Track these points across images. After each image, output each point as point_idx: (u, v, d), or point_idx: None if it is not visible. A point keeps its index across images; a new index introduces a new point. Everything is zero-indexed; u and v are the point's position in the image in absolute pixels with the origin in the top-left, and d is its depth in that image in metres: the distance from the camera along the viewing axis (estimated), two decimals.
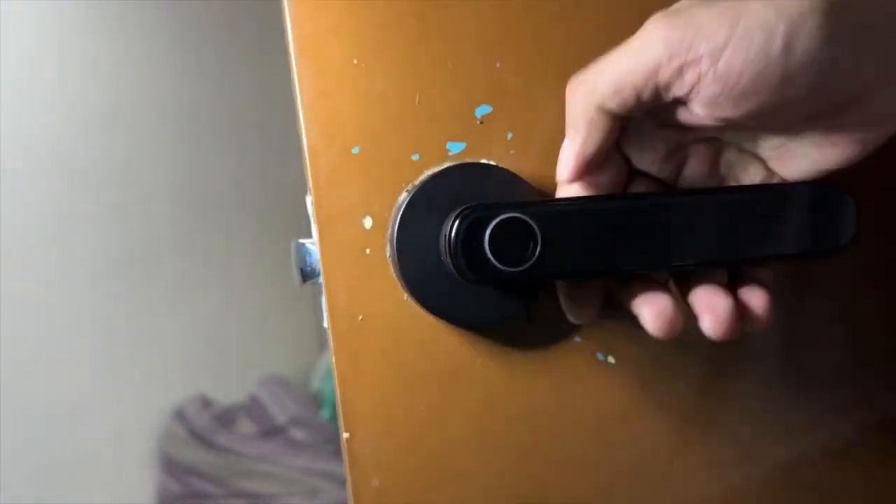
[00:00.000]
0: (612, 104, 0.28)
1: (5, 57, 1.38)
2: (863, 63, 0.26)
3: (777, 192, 0.31)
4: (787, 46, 0.25)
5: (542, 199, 0.33)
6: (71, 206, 1.47)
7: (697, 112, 0.28)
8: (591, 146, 0.29)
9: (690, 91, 0.27)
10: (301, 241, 0.35)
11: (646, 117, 0.30)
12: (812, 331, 0.40)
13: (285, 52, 0.34)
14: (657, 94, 0.28)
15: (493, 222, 0.28)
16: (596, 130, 0.29)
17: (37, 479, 1.42)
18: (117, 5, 1.51)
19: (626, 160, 0.32)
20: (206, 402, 1.60)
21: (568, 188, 0.31)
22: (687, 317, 0.39)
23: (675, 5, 0.27)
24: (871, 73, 0.26)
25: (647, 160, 0.32)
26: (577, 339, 0.37)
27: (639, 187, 0.32)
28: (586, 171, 0.30)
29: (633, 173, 0.32)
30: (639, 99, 0.28)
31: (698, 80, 0.26)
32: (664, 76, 0.27)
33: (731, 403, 0.39)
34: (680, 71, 0.26)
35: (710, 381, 0.39)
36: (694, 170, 0.32)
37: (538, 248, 0.28)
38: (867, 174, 0.39)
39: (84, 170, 1.48)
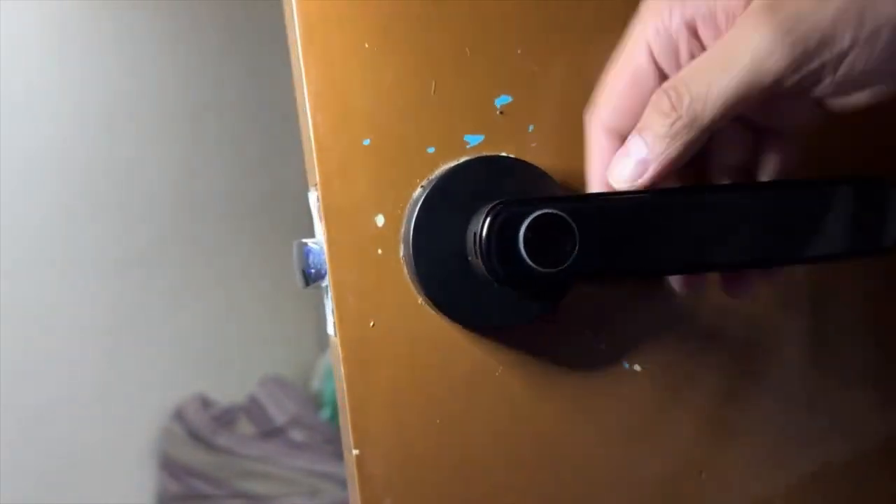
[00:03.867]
0: (718, 125, 0.26)
1: (5, 58, 1.39)
2: None
3: (823, 188, 0.29)
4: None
5: (571, 194, 0.31)
6: (71, 206, 1.49)
7: (803, 110, 0.27)
8: (677, 164, 0.27)
9: (805, 92, 0.25)
10: (304, 240, 0.33)
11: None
12: (836, 336, 0.39)
13: (285, 46, 0.33)
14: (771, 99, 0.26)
15: (528, 219, 0.26)
16: (689, 151, 0.27)
17: (36, 479, 1.43)
18: (117, 6, 1.53)
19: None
20: (205, 403, 1.62)
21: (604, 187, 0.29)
22: (715, 325, 0.37)
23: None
24: None
25: (730, 156, 0.30)
26: (602, 346, 0.35)
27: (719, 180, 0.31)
28: (659, 181, 0.28)
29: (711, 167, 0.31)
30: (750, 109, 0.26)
31: (816, 83, 0.25)
32: (786, 86, 0.25)
33: (758, 411, 0.38)
34: (800, 81, 0.25)
35: (741, 391, 0.37)
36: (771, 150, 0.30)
37: (576, 247, 0.26)
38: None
39: (84, 171, 1.50)
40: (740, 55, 0.25)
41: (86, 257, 1.50)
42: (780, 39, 0.24)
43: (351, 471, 0.32)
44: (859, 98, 0.27)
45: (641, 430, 0.36)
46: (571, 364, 0.34)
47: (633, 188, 0.28)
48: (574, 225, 0.26)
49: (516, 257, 0.26)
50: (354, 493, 0.32)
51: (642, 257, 0.28)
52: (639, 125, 0.27)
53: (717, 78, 0.25)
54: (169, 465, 1.53)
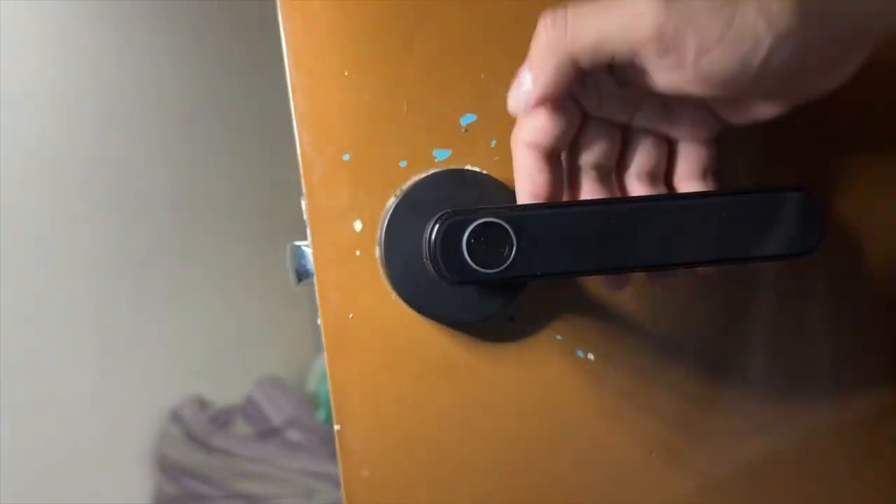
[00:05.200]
0: (585, 60, 0.29)
1: (2, 58, 1.38)
2: (828, 69, 0.28)
3: (744, 197, 0.31)
4: (769, 58, 0.27)
5: (525, 203, 0.34)
6: (67, 207, 1.47)
7: (660, 84, 0.29)
8: (552, 90, 0.30)
9: (664, 70, 0.28)
10: (296, 243, 0.37)
11: (605, 71, 0.31)
12: (794, 329, 0.41)
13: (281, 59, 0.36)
14: (632, 63, 0.29)
15: (471, 226, 0.30)
16: (561, 77, 0.30)
17: (33, 480, 1.42)
18: (114, 6, 1.51)
19: (579, 105, 0.33)
20: (202, 404, 1.61)
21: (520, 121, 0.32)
22: (668, 321, 0.40)
23: None
24: (831, 75, 0.29)
25: (602, 109, 0.33)
26: (559, 336, 0.38)
27: (591, 131, 0.33)
28: (540, 108, 0.31)
29: (586, 117, 0.33)
30: (612, 63, 0.29)
31: (677, 66, 0.28)
32: (646, 54, 0.28)
33: (709, 400, 0.40)
34: (664, 53, 0.28)
35: (687, 378, 0.40)
36: (647, 114, 0.33)
37: (513, 251, 0.30)
38: (859, 173, 0.40)
39: (81, 171, 1.48)
40: (619, 12, 0.28)
41: (82, 258, 1.48)
42: (660, 8, 0.27)
43: (336, 443, 0.36)
44: (744, 113, 0.31)
45: (595, 413, 0.39)
46: (530, 353, 0.38)
47: (526, 113, 0.31)
48: (511, 232, 0.30)
49: (460, 260, 0.30)
50: (339, 464, 0.36)
51: (574, 260, 0.30)
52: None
53: (596, 18, 0.28)
54: (166, 466, 1.51)
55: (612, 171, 0.34)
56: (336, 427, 0.35)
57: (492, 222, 0.30)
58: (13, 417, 1.39)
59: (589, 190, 0.33)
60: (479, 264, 0.30)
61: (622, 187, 0.34)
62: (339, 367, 0.36)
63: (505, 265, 0.30)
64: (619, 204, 0.31)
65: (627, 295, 0.39)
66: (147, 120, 1.56)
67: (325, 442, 1.56)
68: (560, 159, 0.33)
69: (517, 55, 0.36)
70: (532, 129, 0.31)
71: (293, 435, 1.59)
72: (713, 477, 0.41)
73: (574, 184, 0.33)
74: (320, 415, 1.65)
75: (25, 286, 1.42)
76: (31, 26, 1.43)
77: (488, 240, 0.30)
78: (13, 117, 1.39)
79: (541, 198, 0.32)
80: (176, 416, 1.57)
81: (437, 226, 0.30)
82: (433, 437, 0.37)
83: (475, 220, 0.30)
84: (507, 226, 0.30)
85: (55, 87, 1.45)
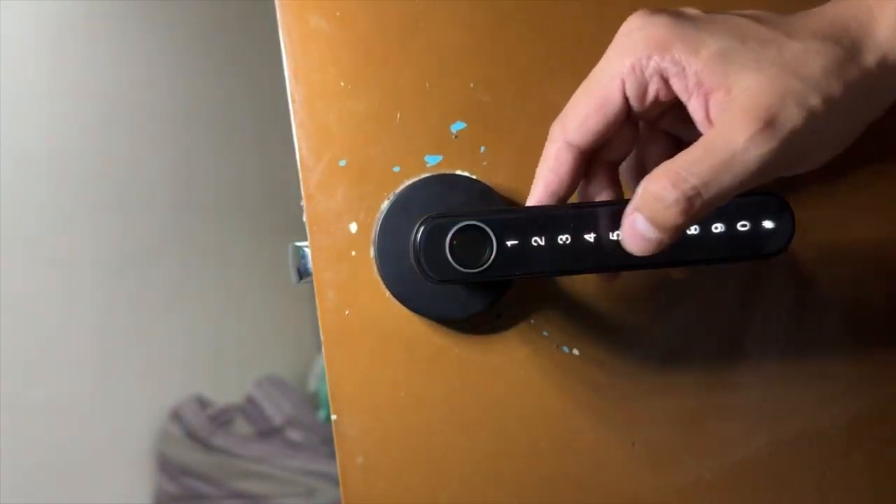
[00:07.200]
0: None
1: (2, 58, 1.38)
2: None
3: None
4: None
5: (507, 207, 0.36)
6: (68, 207, 1.47)
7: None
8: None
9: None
10: (297, 243, 0.39)
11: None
12: (777, 328, 0.42)
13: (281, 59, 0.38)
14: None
15: (453, 229, 0.32)
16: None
17: (33, 480, 1.42)
18: (114, 7, 1.51)
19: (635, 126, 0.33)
20: (202, 403, 1.61)
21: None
22: (658, 317, 0.41)
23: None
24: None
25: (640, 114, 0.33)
26: (545, 332, 0.40)
27: (624, 131, 0.33)
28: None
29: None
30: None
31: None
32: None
33: (693, 395, 0.42)
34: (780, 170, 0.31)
35: (670, 373, 0.42)
36: (673, 117, 0.34)
37: (493, 253, 0.32)
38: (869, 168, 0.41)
39: (81, 171, 1.49)
40: (740, 158, 0.28)
41: (82, 257, 1.48)
42: (774, 149, 0.28)
43: (333, 433, 0.38)
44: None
45: (577, 404, 0.41)
46: (518, 347, 0.40)
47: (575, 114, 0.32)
48: (492, 234, 0.31)
49: (443, 261, 0.32)
50: (336, 452, 0.38)
51: (551, 261, 0.32)
52: (643, 207, 0.29)
53: (721, 177, 0.28)
54: (166, 466, 1.51)
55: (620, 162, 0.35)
56: (333, 417, 0.37)
57: (473, 224, 0.32)
58: (13, 417, 1.39)
59: (599, 183, 0.34)
60: (461, 264, 0.32)
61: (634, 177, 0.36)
62: (336, 361, 0.38)
63: (486, 265, 0.32)
64: (596, 207, 0.32)
65: (612, 294, 0.41)
66: (147, 119, 1.55)
67: (326, 441, 1.55)
68: (587, 158, 0.33)
69: (504, 65, 0.39)
70: (578, 130, 0.32)
71: (293, 434, 1.58)
72: (697, 469, 0.42)
73: (588, 174, 0.34)
74: (320, 414, 1.64)
75: (25, 286, 1.42)
76: (30, 26, 1.43)
77: (470, 241, 0.32)
78: (13, 117, 1.39)
79: (558, 192, 0.33)
80: (176, 416, 1.57)
81: (421, 228, 0.32)
82: (424, 425, 0.39)
83: (457, 222, 0.31)
84: (487, 228, 0.32)
85: (55, 87, 1.45)
